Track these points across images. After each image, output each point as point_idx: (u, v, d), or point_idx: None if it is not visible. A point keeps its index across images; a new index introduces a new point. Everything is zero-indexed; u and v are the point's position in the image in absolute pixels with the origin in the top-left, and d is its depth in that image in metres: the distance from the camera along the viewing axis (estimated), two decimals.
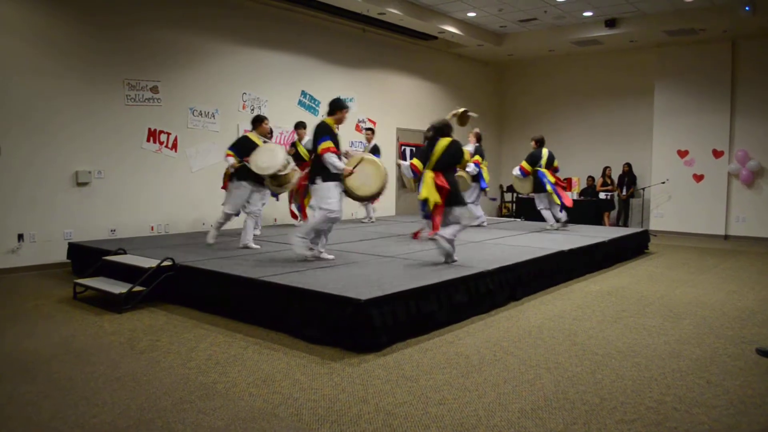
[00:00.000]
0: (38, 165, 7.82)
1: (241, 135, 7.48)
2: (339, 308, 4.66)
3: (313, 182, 6.55)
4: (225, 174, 7.67)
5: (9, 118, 7.56)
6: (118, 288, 5.92)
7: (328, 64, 11.70)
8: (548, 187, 9.78)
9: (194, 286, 5.99)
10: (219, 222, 7.56)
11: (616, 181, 14.01)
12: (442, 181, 6.37)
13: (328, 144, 6.35)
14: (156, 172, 9.02)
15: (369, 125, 11.71)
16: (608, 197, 13.39)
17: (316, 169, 6.52)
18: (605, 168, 14.12)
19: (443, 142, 6.54)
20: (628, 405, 3.53)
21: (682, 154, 13.17)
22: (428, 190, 6.37)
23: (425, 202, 6.39)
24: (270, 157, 7.25)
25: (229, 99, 9.99)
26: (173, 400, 3.58)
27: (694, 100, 12.98)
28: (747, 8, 10.61)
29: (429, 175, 6.45)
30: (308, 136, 8.52)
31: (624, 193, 13.70)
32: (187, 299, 6.06)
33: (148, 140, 8.92)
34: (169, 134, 9.16)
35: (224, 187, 7.69)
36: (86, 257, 7.33)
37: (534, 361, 4.32)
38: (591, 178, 14.23)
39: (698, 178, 13.00)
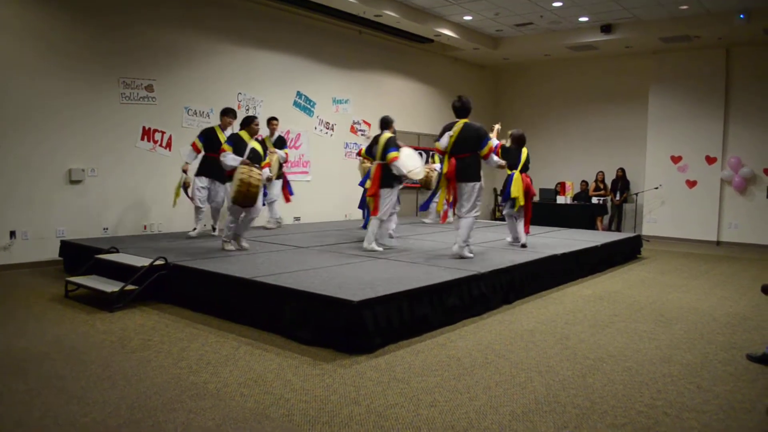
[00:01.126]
0: (32, 162, 7.79)
1: (387, 137, 7.36)
2: (332, 309, 4.66)
3: (474, 180, 6.84)
4: (373, 179, 7.38)
5: (3, 116, 7.52)
6: (110, 287, 5.90)
7: (324, 65, 11.70)
8: None
9: (186, 286, 5.98)
10: (374, 231, 7.48)
11: (609, 185, 14.05)
12: (528, 183, 7.95)
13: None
14: (150, 170, 9.00)
15: (274, 115, 9.85)
16: (601, 202, 13.43)
17: (475, 168, 6.86)
18: (598, 173, 14.17)
19: (525, 150, 8.09)
20: (618, 409, 3.54)
21: (676, 159, 13.23)
22: (519, 190, 7.77)
23: (515, 199, 7.78)
24: (415, 160, 7.43)
25: (225, 99, 9.96)
26: (164, 399, 3.57)
27: (688, 106, 13.06)
28: (741, 16, 10.69)
29: (518, 177, 7.87)
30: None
31: (617, 197, 13.75)
32: (179, 299, 6.04)
33: (143, 139, 8.90)
34: (163, 133, 9.14)
35: (373, 193, 7.33)
36: (78, 255, 7.30)
37: (525, 365, 4.33)
38: (584, 183, 14.27)
39: (691, 183, 13.06)
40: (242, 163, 6.97)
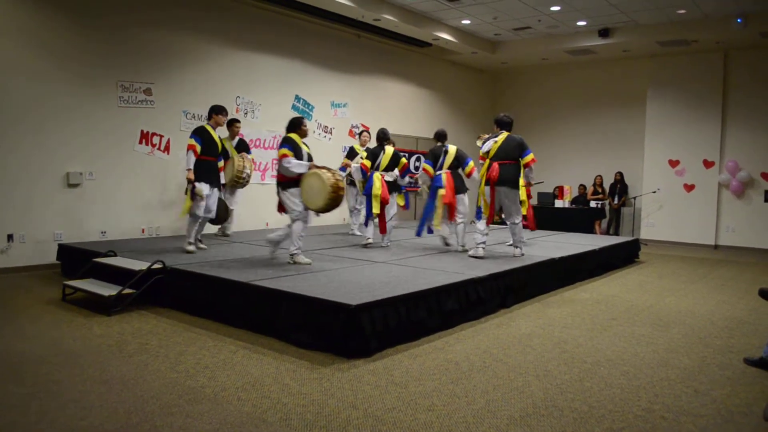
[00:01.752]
0: (30, 166, 7.78)
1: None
2: (329, 313, 4.66)
3: (516, 188, 7.42)
4: (448, 187, 7.83)
5: (1, 119, 7.52)
6: (108, 290, 5.89)
7: (323, 68, 11.72)
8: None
9: (184, 290, 5.97)
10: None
11: (607, 189, 14.08)
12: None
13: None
14: (148, 174, 8.99)
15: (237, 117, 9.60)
16: (599, 206, 13.45)
17: (517, 176, 7.39)
18: (596, 176, 14.19)
19: None
20: (616, 413, 3.54)
21: (674, 163, 13.25)
22: (524, 194, 7.99)
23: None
24: None
25: (223, 102, 9.86)
26: (161, 403, 3.57)
27: (686, 110, 13.08)
28: (739, 20, 10.72)
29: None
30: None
31: (615, 201, 13.76)
32: (176, 302, 6.03)
33: (141, 142, 8.90)
34: (161, 136, 9.14)
35: (450, 200, 7.79)
36: (76, 259, 7.29)
37: (523, 369, 4.33)
38: (582, 187, 14.29)
39: (689, 187, 13.08)
40: (312, 167, 6.51)
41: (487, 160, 7.43)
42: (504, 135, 7.48)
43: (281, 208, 6.83)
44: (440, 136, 8.15)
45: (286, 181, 6.58)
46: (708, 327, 5.71)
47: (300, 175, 6.50)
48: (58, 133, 8.02)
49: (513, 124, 7.69)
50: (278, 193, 6.71)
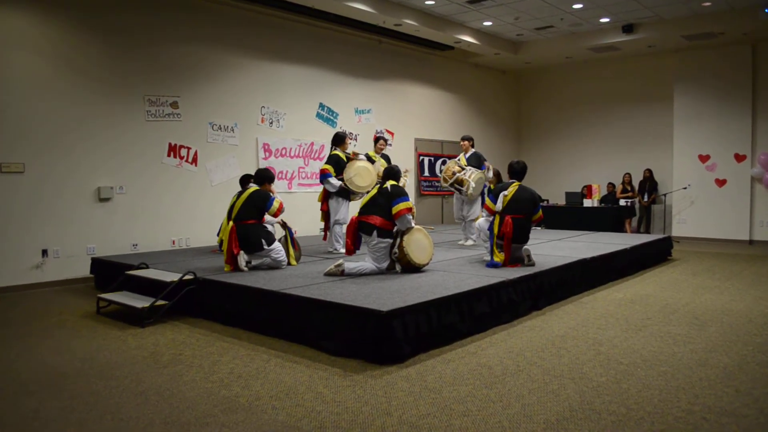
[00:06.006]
0: (61, 181, 7.94)
1: None
2: (360, 320, 4.65)
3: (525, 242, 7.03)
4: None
5: (32, 136, 7.69)
6: (141, 302, 5.97)
7: (346, 76, 11.76)
8: None
9: (216, 300, 6.02)
10: None
11: (636, 187, 13.88)
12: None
13: None
14: (176, 186, 9.11)
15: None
16: (629, 204, 13.26)
17: (527, 230, 6.99)
18: (624, 174, 14.00)
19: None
20: (655, 415, 3.47)
21: (704, 158, 13.02)
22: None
23: None
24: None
25: (248, 113, 10.07)
26: (197, 413, 3.59)
27: (714, 104, 12.86)
28: (766, 10, 10.51)
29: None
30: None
31: (645, 199, 13.56)
32: (209, 313, 6.09)
33: (169, 155, 9.02)
34: (189, 149, 9.25)
35: None
36: (109, 272, 7.41)
37: (558, 372, 4.27)
38: (611, 185, 14.12)
39: (720, 182, 12.84)
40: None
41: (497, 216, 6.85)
42: (515, 186, 6.91)
43: (356, 243, 6.45)
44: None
45: (389, 230, 6.36)
46: (746, 324, 5.58)
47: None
48: (88, 149, 8.17)
49: (525, 172, 7.12)
50: (368, 234, 6.37)
